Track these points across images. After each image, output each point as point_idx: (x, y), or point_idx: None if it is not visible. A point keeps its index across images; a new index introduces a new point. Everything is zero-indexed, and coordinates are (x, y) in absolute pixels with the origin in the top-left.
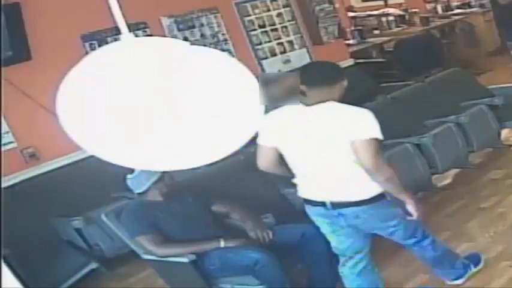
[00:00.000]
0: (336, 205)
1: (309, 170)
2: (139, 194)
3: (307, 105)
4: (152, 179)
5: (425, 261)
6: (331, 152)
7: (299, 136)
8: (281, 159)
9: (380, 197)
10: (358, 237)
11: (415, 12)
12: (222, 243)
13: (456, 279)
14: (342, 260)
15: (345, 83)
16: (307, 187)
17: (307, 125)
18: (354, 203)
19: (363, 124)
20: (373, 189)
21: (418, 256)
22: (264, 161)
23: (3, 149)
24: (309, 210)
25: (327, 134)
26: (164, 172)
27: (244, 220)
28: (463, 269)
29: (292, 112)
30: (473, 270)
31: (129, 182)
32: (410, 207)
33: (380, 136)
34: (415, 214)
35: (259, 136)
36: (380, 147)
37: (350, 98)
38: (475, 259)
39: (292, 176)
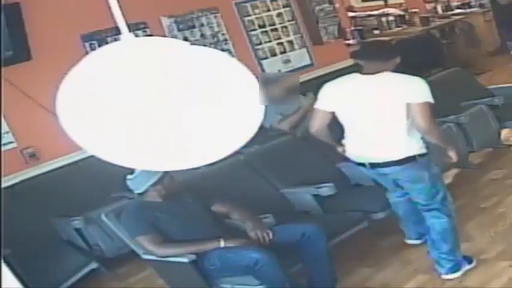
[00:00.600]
0: (373, 165)
1: (359, 132)
2: (139, 194)
3: (364, 74)
4: (152, 180)
5: (432, 236)
6: (383, 114)
7: (356, 100)
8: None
9: (410, 159)
10: None
11: (415, 12)
12: (222, 243)
13: (450, 272)
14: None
15: (398, 60)
16: (354, 148)
17: (365, 89)
18: (387, 164)
19: (419, 89)
20: (405, 152)
21: (430, 230)
22: (318, 125)
23: (3, 149)
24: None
25: (385, 97)
26: (165, 173)
27: (244, 220)
28: (459, 264)
29: (351, 80)
30: (467, 267)
31: (129, 183)
32: (452, 153)
33: (432, 101)
34: (455, 157)
35: (318, 101)
36: (432, 110)
37: None
38: (468, 257)
39: (334, 142)
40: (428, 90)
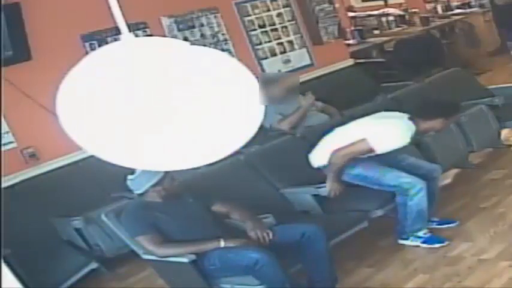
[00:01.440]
0: None
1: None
2: (139, 194)
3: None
4: (152, 181)
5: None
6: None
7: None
8: None
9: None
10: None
11: (415, 12)
12: (222, 243)
13: (398, 237)
14: None
15: (437, 122)
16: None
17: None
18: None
19: (382, 133)
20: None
21: None
22: None
23: (3, 149)
24: None
25: (361, 128)
26: (165, 174)
27: (244, 220)
28: (405, 233)
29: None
30: (422, 243)
31: (129, 183)
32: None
33: (371, 148)
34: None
35: None
36: (360, 152)
37: (350, 98)
38: (440, 238)
39: None
40: (385, 141)
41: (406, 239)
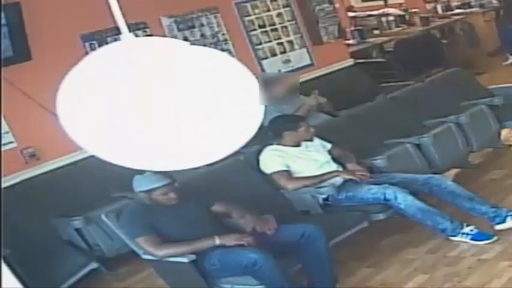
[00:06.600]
0: None
1: None
2: (140, 192)
3: None
4: (155, 184)
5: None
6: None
7: None
8: None
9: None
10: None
11: (415, 12)
12: (217, 240)
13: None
14: None
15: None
16: None
17: None
18: None
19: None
20: None
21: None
22: None
23: (3, 149)
24: None
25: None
26: (170, 183)
27: (243, 216)
28: (446, 230)
29: None
30: (471, 240)
31: (134, 181)
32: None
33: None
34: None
35: None
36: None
37: (350, 98)
38: (486, 234)
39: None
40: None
41: (455, 235)
